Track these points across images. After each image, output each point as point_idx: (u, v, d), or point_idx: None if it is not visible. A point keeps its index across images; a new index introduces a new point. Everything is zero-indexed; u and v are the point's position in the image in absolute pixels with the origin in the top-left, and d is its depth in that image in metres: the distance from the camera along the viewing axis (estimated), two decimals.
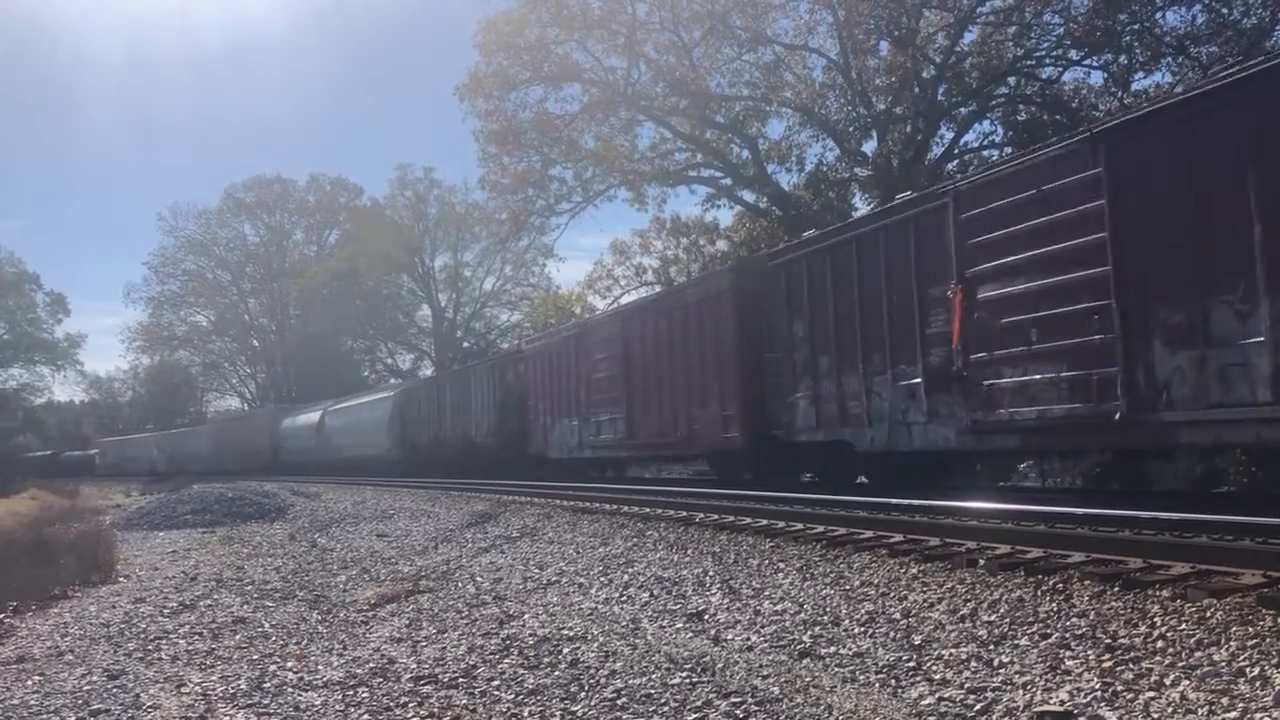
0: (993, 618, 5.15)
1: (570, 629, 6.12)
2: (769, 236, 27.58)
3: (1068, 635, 4.67)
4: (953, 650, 4.72)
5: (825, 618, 5.66)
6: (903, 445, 11.15)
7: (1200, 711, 3.59)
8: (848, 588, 6.31)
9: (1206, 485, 10.98)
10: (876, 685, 4.37)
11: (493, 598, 7.67)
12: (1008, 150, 25.04)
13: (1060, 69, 25.36)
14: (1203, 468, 11.15)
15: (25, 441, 76.42)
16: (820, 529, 8.54)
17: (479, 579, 8.77)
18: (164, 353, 74.83)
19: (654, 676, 4.82)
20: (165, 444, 60.97)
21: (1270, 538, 5.90)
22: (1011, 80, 25.87)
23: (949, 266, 10.28)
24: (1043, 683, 4.10)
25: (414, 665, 5.62)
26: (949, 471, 12.48)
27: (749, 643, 5.36)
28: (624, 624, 6.19)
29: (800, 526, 8.80)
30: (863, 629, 5.33)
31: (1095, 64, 24.36)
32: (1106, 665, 4.18)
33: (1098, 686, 3.95)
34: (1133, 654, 4.29)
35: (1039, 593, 5.45)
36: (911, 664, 4.59)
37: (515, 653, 5.66)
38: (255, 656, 6.39)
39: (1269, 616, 4.48)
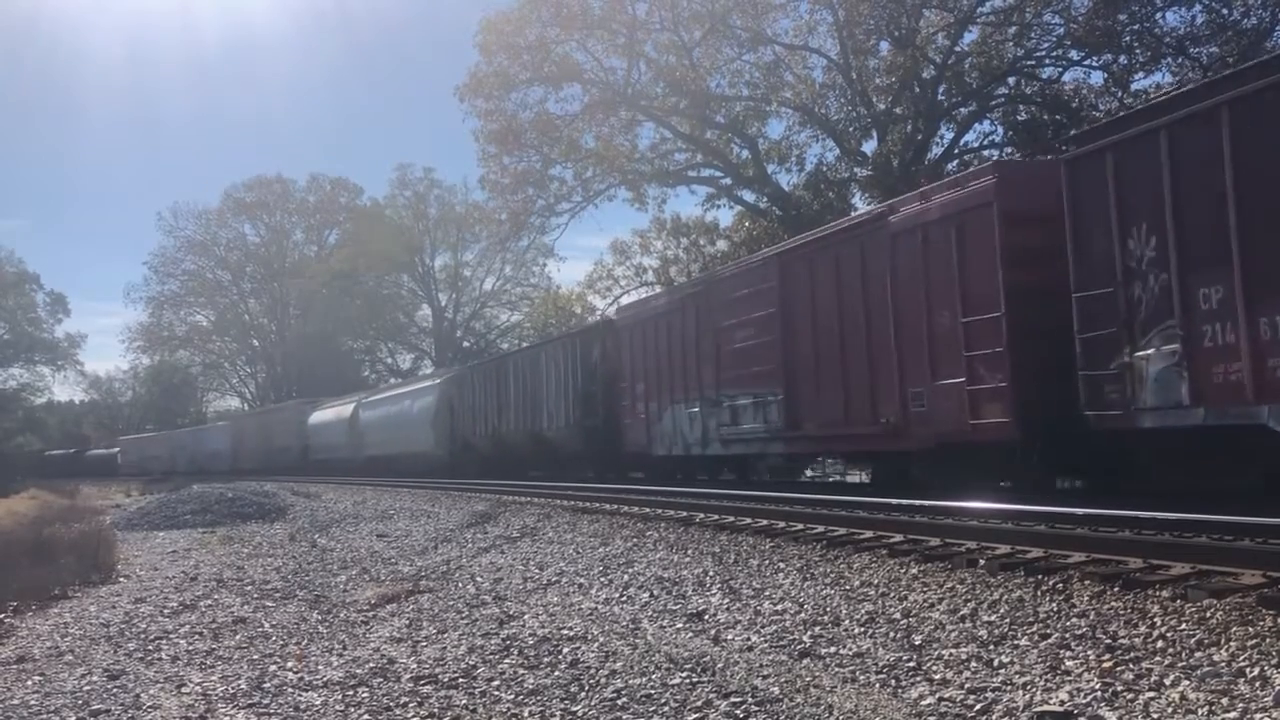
0: (993, 618, 5.15)
1: (570, 629, 6.12)
2: (769, 236, 27.59)
3: (1068, 635, 4.67)
4: (953, 650, 4.72)
5: (825, 618, 5.66)
6: None
7: (1200, 712, 3.59)
8: (848, 588, 6.31)
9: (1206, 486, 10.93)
10: (877, 685, 4.37)
11: (493, 598, 7.67)
12: (1008, 150, 25.11)
13: (1060, 69, 25.44)
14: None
15: (26, 441, 76.56)
16: (820, 529, 8.55)
17: (479, 579, 8.77)
18: (164, 353, 74.84)
19: (654, 677, 4.82)
20: (187, 442, 58.57)
21: (1270, 538, 5.90)
22: (1011, 80, 25.92)
23: None
24: (1043, 683, 4.09)
25: (414, 665, 5.62)
26: None
27: (749, 643, 5.36)
28: (624, 624, 6.18)
29: (800, 527, 8.80)
30: (863, 629, 5.33)
31: (1095, 64, 24.44)
32: (1106, 665, 4.18)
33: (1098, 687, 3.95)
34: (1133, 654, 4.29)
35: (1039, 593, 5.45)
36: (912, 664, 4.59)
37: (515, 653, 5.66)
38: (255, 656, 6.39)
39: (1269, 617, 4.48)
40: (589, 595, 7.37)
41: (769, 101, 28.60)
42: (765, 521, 9.36)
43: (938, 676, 4.37)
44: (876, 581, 6.35)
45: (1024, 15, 24.48)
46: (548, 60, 29.25)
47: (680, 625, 5.99)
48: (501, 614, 6.90)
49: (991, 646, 4.70)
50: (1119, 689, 3.91)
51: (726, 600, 6.47)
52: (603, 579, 7.91)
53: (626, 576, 7.83)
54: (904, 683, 4.36)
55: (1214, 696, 3.71)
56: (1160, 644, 4.37)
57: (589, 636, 5.86)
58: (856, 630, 5.33)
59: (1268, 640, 4.20)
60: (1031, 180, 10.30)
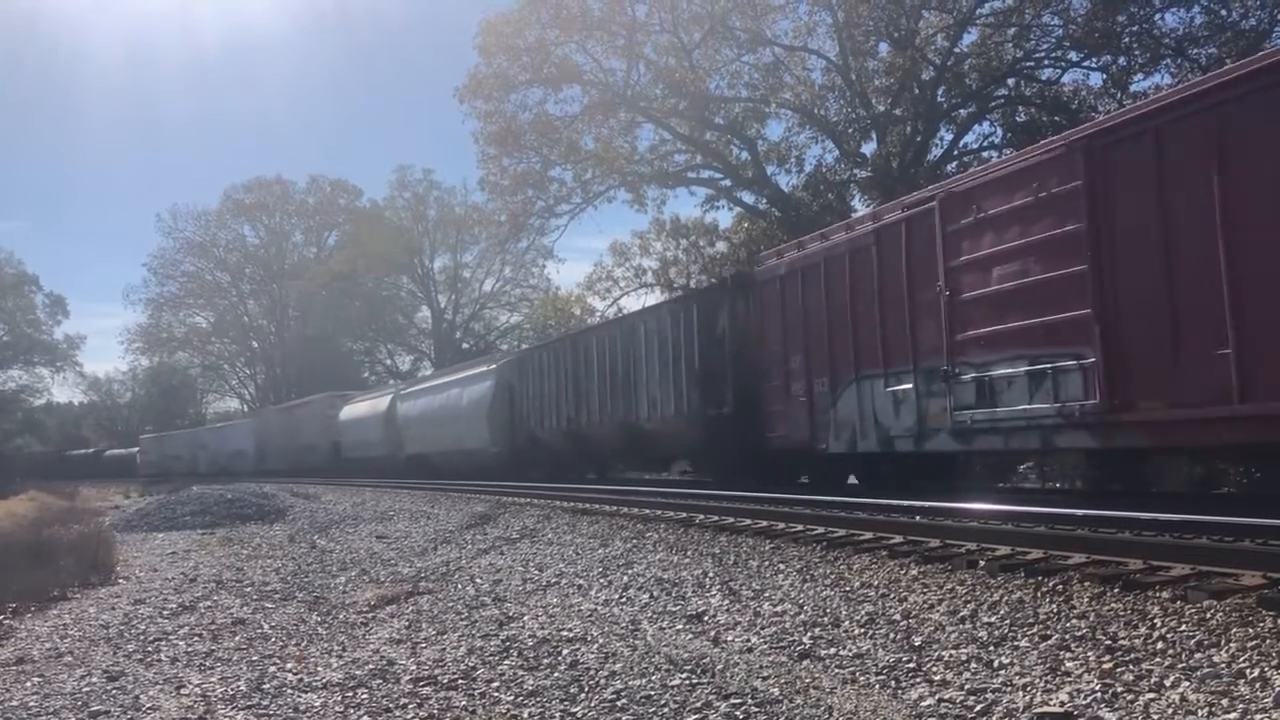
0: (993, 619, 5.14)
1: (570, 630, 6.12)
2: (768, 238, 27.60)
3: (1068, 636, 4.67)
4: (953, 651, 4.71)
5: (825, 619, 5.66)
6: None
7: (1200, 713, 3.59)
8: (848, 589, 6.31)
9: (1206, 487, 10.98)
10: (876, 686, 4.37)
11: (492, 599, 7.66)
12: (1009, 151, 25.10)
13: (1059, 70, 25.43)
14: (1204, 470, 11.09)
15: (25, 443, 76.62)
16: (820, 530, 8.55)
17: (478, 580, 8.77)
18: (163, 354, 74.89)
19: (654, 678, 4.82)
20: (208, 441, 56.57)
21: (1270, 539, 5.90)
22: (1011, 82, 25.92)
23: None
24: (1043, 684, 4.09)
25: (413, 667, 5.61)
26: None
27: (749, 644, 5.36)
28: (624, 625, 6.18)
29: (800, 528, 8.80)
30: (863, 630, 5.33)
31: (1094, 65, 24.44)
32: (1106, 666, 4.18)
33: (1098, 688, 3.94)
34: (1133, 655, 4.29)
35: (1039, 594, 5.45)
36: (911, 665, 4.59)
37: (515, 654, 5.66)
38: (255, 658, 6.38)
39: (1269, 618, 4.48)
40: (588, 596, 7.37)
41: (768, 103, 28.60)
42: (765, 523, 9.37)
43: (938, 677, 4.37)
44: (876, 583, 6.35)
45: (1023, 16, 24.49)
46: (547, 62, 29.27)
47: (680, 626, 5.99)
48: (501, 615, 6.89)
49: (991, 648, 4.70)
50: (1119, 690, 3.91)
51: (726, 601, 6.47)
52: (602, 580, 7.91)
53: (626, 578, 7.82)
54: (904, 684, 4.36)
55: (1214, 698, 3.71)
56: (1160, 645, 4.37)
57: (588, 638, 5.86)
58: (856, 631, 5.33)
59: (1268, 641, 4.20)
60: None
